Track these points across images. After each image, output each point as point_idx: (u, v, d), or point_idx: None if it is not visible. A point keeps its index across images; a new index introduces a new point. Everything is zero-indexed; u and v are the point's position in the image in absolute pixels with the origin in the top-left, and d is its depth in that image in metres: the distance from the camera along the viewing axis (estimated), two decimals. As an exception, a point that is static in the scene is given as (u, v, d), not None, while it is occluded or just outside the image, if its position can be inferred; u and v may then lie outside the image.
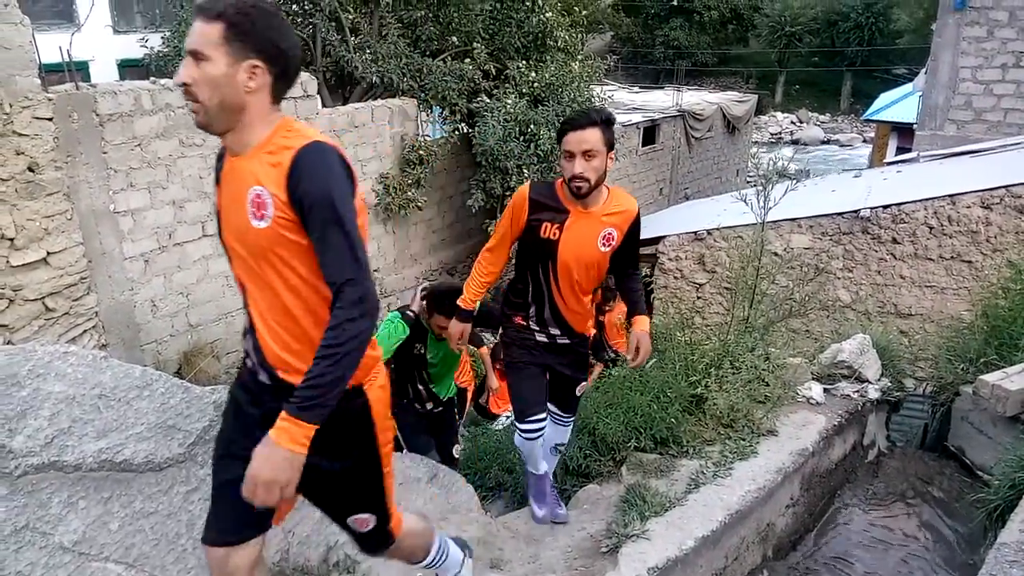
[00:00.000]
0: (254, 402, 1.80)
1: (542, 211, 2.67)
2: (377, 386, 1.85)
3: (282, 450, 1.55)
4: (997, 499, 2.96)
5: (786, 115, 35.54)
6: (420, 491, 3.13)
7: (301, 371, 1.64)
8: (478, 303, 2.96)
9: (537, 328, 2.84)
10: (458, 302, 2.95)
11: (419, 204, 9.90)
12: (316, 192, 1.57)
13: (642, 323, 2.84)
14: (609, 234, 2.67)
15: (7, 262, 5.85)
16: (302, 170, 1.57)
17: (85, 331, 6.65)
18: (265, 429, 1.64)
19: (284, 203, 1.58)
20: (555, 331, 2.83)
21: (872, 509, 3.60)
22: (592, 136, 2.53)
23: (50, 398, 2.20)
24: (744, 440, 3.36)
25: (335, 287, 1.59)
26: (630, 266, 2.90)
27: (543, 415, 2.82)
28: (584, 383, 3.06)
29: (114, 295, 7.02)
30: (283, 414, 1.56)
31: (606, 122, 2.57)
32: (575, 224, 2.65)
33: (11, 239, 5.84)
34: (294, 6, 9.81)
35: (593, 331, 2.99)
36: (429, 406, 3.92)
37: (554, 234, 2.65)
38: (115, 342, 7.06)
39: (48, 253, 6.17)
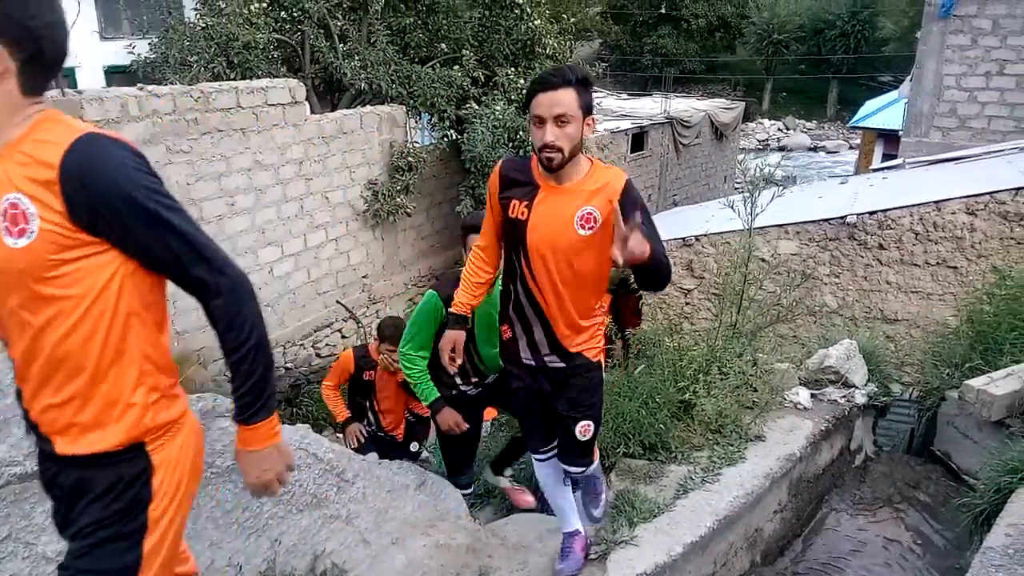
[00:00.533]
0: (39, 471, 1.49)
1: (512, 187, 2.29)
2: (177, 445, 1.47)
3: (257, 452, 1.49)
4: (983, 503, 2.98)
5: (773, 122, 35.83)
6: (408, 498, 3.12)
7: (76, 432, 1.37)
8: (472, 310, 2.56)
9: (523, 337, 2.41)
10: (451, 309, 2.55)
11: (408, 210, 9.89)
12: (114, 191, 1.27)
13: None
14: (589, 214, 2.21)
15: (-9, 269, 5.80)
16: (84, 168, 1.26)
17: (70, 339, 6.59)
18: (63, 500, 1.43)
19: (60, 212, 1.26)
20: (544, 347, 2.39)
21: (859, 514, 3.61)
22: (566, 98, 2.12)
23: (33, 407, 2.17)
24: (732, 446, 3.36)
25: (195, 285, 1.39)
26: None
27: (547, 447, 2.59)
28: (586, 422, 2.46)
29: (100, 302, 6.96)
30: (239, 427, 1.47)
31: (582, 82, 2.15)
32: (545, 201, 2.23)
33: (-5, 246, 5.79)
34: (283, 13, 9.80)
35: (600, 356, 2.51)
36: (475, 381, 3.31)
37: (522, 213, 2.25)
38: (101, 350, 6.99)
39: (33, 260, 6.11)
